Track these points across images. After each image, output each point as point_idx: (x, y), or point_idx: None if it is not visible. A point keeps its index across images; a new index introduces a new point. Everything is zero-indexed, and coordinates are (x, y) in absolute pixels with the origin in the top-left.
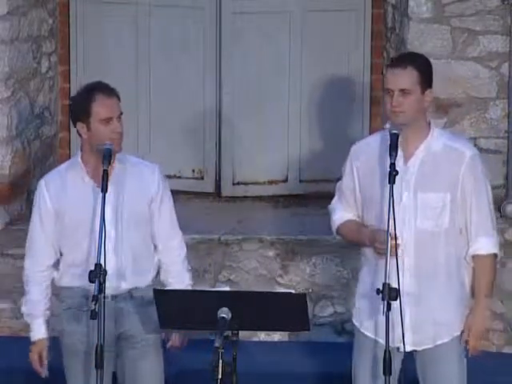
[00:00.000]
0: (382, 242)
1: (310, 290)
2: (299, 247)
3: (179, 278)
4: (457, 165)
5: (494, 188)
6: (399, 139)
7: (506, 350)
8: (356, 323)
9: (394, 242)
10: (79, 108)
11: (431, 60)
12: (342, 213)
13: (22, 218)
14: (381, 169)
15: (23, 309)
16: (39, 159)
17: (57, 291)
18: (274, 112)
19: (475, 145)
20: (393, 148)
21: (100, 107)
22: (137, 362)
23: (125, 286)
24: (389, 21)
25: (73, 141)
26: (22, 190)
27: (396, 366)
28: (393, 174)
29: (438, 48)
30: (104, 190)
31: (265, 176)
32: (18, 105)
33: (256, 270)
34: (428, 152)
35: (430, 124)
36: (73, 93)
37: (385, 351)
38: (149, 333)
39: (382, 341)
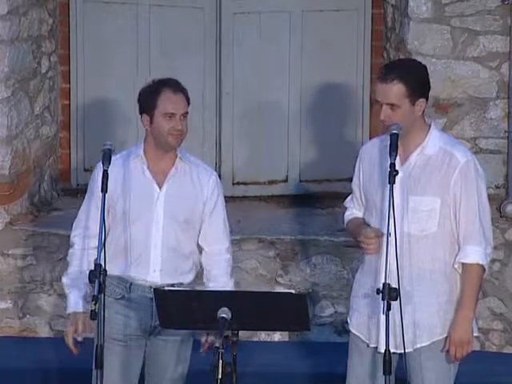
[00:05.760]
0: (365, 236)
1: (310, 290)
2: (299, 247)
3: (219, 284)
4: (450, 169)
5: (494, 188)
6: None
7: (506, 350)
8: (349, 321)
9: (379, 240)
10: (146, 100)
11: (431, 60)
12: (351, 210)
13: (22, 218)
14: (379, 170)
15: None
16: (39, 159)
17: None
18: (274, 112)
19: (475, 145)
20: (392, 148)
21: (165, 102)
22: (161, 354)
23: (167, 281)
24: (389, 21)
25: (73, 141)
26: (22, 189)
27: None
28: (393, 173)
29: (438, 48)
30: (104, 190)
31: (265, 176)
32: (17, 105)
33: (256, 270)
34: (422, 155)
35: (430, 126)
36: (73, 93)
37: (385, 351)
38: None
39: (367, 340)
